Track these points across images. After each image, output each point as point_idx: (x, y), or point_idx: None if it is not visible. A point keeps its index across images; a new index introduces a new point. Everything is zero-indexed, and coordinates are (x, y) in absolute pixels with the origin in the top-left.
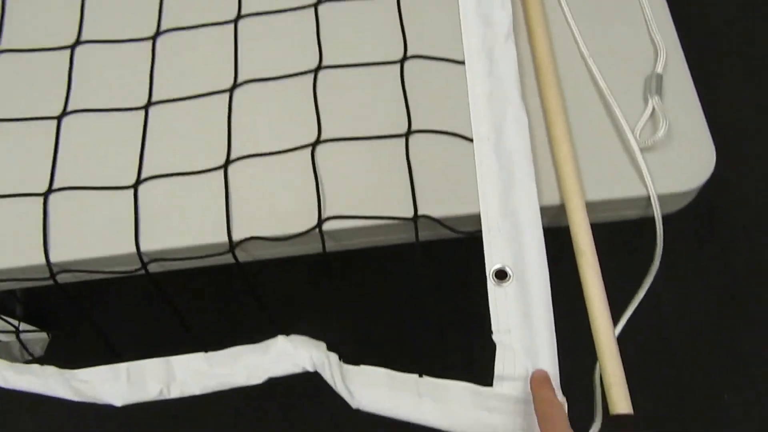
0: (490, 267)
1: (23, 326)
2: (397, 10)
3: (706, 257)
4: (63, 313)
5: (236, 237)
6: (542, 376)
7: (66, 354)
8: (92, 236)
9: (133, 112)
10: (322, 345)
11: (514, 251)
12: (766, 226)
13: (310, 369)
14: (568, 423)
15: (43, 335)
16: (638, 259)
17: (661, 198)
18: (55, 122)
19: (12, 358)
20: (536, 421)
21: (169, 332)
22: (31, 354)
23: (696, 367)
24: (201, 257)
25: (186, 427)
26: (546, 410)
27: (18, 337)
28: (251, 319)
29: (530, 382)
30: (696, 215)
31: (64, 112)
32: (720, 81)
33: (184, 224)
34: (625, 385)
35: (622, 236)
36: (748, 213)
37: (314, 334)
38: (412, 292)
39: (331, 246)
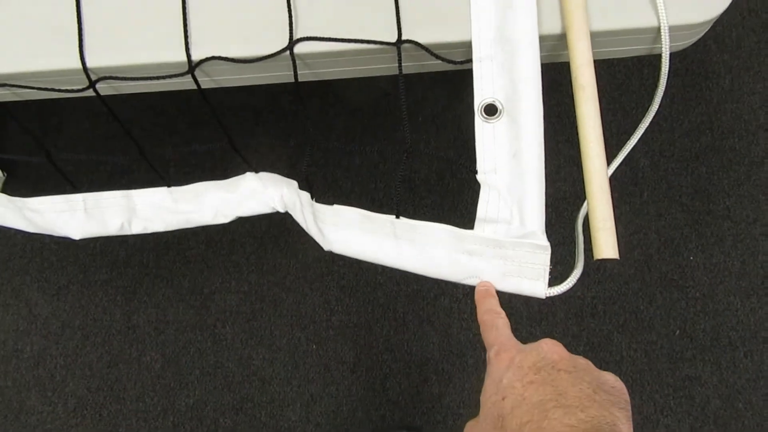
0: (479, 101)
1: None
2: None
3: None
4: (18, 151)
5: (196, 56)
6: (486, 287)
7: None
8: (33, 47)
9: None
10: (294, 183)
11: (506, 84)
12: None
13: (281, 209)
14: (510, 332)
15: None
16: (631, 98)
17: (673, 30)
18: None
19: None
20: (515, 268)
21: (129, 169)
22: None
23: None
24: (156, 78)
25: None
26: (489, 319)
27: None
28: (216, 153)
29: (475, 294)
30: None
31: None
32: None
33: (136, 38)
34: (614, 230)
35: (620, 74)
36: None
37: (282, 170)
38: (392, 130)
39: (304, 74)
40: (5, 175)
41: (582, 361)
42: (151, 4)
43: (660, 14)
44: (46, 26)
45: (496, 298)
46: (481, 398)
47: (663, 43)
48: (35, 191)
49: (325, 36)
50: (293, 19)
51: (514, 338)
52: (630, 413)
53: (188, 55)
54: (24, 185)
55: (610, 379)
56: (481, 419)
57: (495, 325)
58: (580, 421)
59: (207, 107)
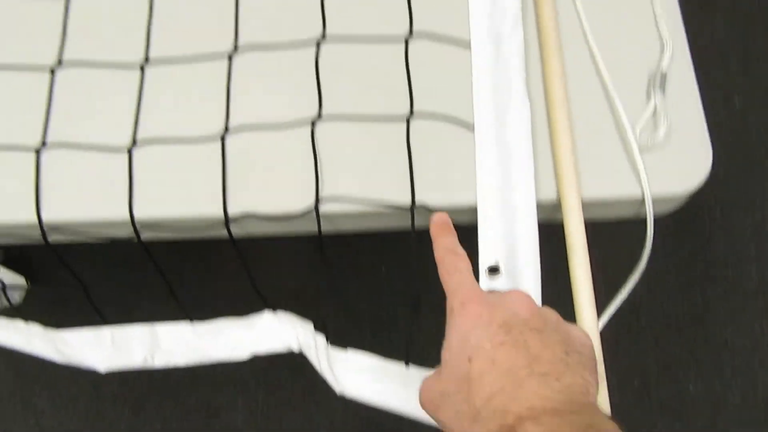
0: (484, 263)
1: (1, 271)
2: None
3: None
4: (42, 262)
5: (232, 211)
6: (444, 220)
7: (45, 305)
8: (85, 198)
9: (130, 71)
10: (310, 325)
11: (507, 246)
12: (746, 229)
13: (296, 349)
14: (474, 279)
15: (22, 281)
16: (624, 247)
17: (656, 200)
18: (48, 74)
19: None
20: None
21: (151, 295)
22: (9, 301)
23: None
24: (194, 229)
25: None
26: (451, 261)
27: None
28: (238, 291)
29: (431, 226)
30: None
31: (60, 63)
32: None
33: (178, 193)
34: (605, 384)
35: (610, 227)
36: (729, 212)
37: (302, 311)
38: (405, 277)
39: (327, 228)
40: (29, 284)
41: (551, 315)
42: (192, 164)
43: (644, 187)
44: (100, 180)
45: (455, 235)
46: (443, 353)
47: (647, 212)
48: (56, 303)
49: (347, 197)
50: (319, 181)
51: (479, 287)
52: (597, 372)
53: (225, 212)
54: (46, 294)
55: (580, 335)
56: (443, 376)
57: (457, 268)
58: (554, 392)
59: (237, 254)
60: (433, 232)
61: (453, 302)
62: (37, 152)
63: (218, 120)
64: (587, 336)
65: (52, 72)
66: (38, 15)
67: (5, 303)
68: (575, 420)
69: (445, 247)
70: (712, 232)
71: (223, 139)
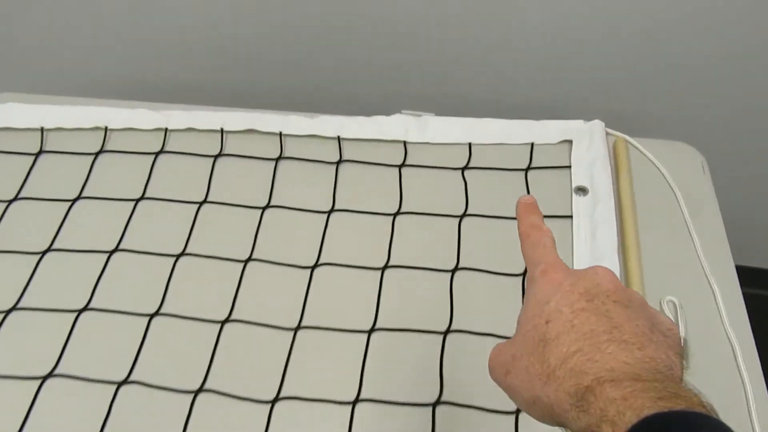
0: None
1: None
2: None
3: None
4: None
5: None
6: (531, 201)
7: None
8: None
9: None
10: None
11: None
12: None
13: None
14: (556, 249)
15: None
16: None
17: None
18: None
19: None
20: None
21: None
22: None
23: None
24: None
25: None
26: (536, 235)
27: None
28: None
29: (518, 207)
30: None
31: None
32: None
33: None
34: None
35: None
36: None
37: None
38: None
39: None
40: None
41: (637, 297)
42: None
43: None
44: None
45: (542, 215)
46: (519, 318)
47: None
48: None
49: None
50: None
51: (561, 261)
52: (683, 359)
53: None
54: None
55: (666, 321)
56: (516, 341)
57: (542, 242)
58: (636, 360)
59: None
60: (520, 211)
61: (534, 271)
62: None
63: None
64: (673, 324)
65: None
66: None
67: None
68: (659, 387)
69: (531, 223)
70: None
71: None
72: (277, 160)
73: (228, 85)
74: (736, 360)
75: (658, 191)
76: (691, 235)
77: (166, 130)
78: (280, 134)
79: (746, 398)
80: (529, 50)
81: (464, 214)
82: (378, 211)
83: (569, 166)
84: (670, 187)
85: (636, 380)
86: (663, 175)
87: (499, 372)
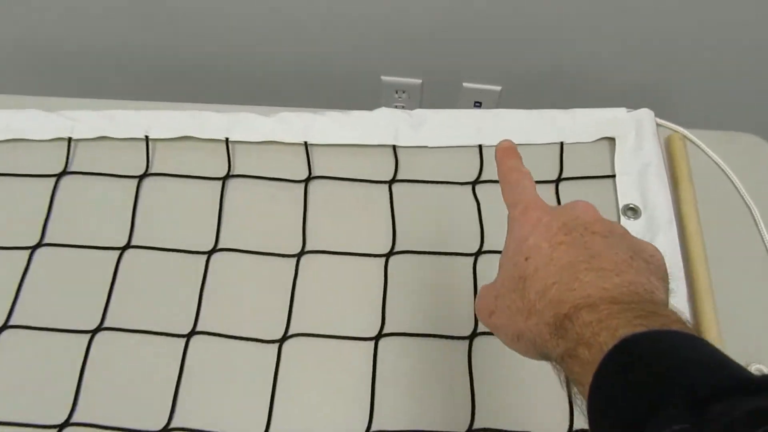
0: None
1: None
2: None
3: None
4: None
5: None
6: (509, 145)
7: None
8: None
9: None
10: None
11: None
12: None
13: None
14: (535, 190)
15: None
16: None
17: None
18: None
19: None
20: None
21: None
22: None
23: None
24: None
25: None
26: (515, 177)
27: None
28: None
29: (497, 151)
30: None
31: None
32: None
33: None
34: None
35: None
36: None
37: None
38: None
39: None
40: None
41: (619, 228)
42: None
43: None
44: None
45: (521, 158)
46: (501, 259)
47: None
48: None
49: None
50: None
51: (541, 199)
52: (669, 286)
53: None
54: None
55: (649, 248)
56: (498, 282)
57: (521, 183)
58: (614, 285)
59: None
60: (498, 156)
61: (514, 211)
62: None
63: None
64: (658, 251)
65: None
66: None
67: None
68: (636, 308)
69: (510, 165)
70: None
71: None
72: (225, 179)
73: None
74: None
75: (726, 203)
76: None
77: (70, 140)
78: (227, 142)
79: None
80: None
81: (479, 252)
82: (365, 252)
83: (613, 176)
84: (744, 200)
85: (613, 303)
86: (734, 184)
87: (484, 314)
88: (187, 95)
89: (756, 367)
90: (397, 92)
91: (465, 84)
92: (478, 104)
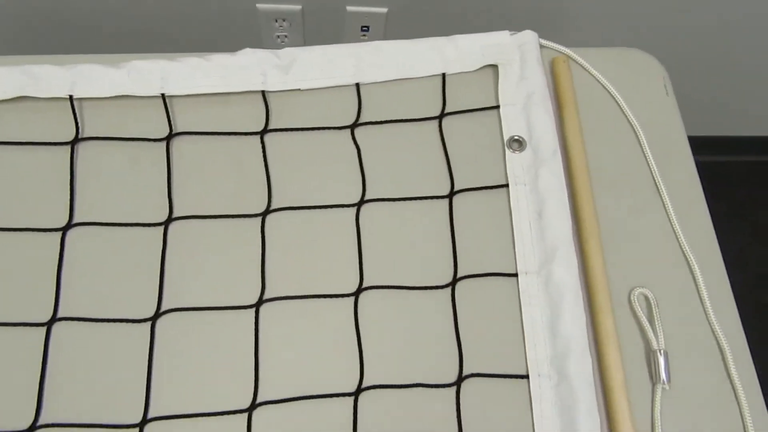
0: None
1: None
2: None
3: None
4: None
5: None
6: None
7: None
8: None
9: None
10: None
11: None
12: None
13: None
14: None
15: None
16: None
17: None
18: None
19: None
20: None
21: None
22: None
23: None
24: None
25: None
26: None
27: None
28: None
29: None
30: None
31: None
32: None
33: None
34: None
35: None
36: None
37: None
38: None
39: None
40: None
41: None
42: None
43: None
44: None
45: None
46: None
47: None
48: None
49: None
50: None
51: None
52: None
53: None
54: None
55: None
56: None
57: None
58: None
59: None
60: None
61: None
62: None
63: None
64: None
65: None
66: None
67: None
68: None
69: None
70: None
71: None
72: (73, 143)
73: None
74: (725, 364)
75: (613, 127)
76: (662, 198)
77: None
78: (71, 99)
79: (741, 414)
80: None
81: (361, 202)
82: (237, 213)
83: (497, 107)
84: (628, 121)
85: None
86: (619, 104)
87: None
88: (18, 47)
89: (640, 291)
90: (276, 20)
91: (349, 8)
92: (365, 29)
